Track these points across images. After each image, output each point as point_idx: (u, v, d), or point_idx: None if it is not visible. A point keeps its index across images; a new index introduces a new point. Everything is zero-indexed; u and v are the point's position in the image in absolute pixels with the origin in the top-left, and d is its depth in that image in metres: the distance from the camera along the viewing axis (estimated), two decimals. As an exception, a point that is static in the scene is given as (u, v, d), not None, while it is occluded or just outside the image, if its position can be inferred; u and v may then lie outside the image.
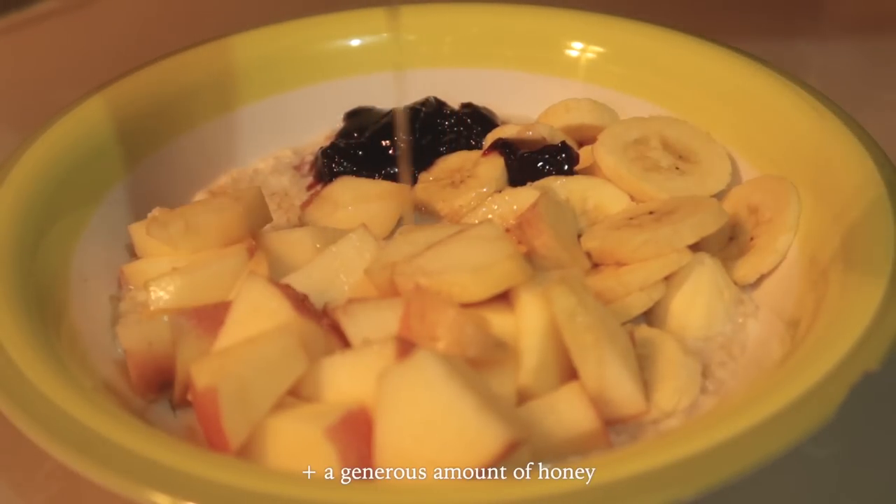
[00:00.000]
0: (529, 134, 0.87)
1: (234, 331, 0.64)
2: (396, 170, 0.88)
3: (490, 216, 0.79)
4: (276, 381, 0.60)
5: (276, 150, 0.95)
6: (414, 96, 0.95)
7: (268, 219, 0.79)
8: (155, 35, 1.24)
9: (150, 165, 0.87)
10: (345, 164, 0.88)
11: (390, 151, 0.89)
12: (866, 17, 1.22)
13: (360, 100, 0.97)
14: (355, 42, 0.99)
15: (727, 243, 0.78)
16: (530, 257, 0.72)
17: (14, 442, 0.61)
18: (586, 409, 0.61)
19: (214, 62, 0.94)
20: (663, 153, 0.83)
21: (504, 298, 0.65)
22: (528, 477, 0.55)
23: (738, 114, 0.86)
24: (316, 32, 0.98)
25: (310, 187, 0.90)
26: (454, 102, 0.95)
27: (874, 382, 0.57)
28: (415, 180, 0.88)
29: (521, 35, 0.98)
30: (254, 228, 0.77)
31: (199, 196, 0.90)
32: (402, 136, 0.86)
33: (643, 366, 0.67)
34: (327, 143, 0.92)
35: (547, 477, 0.56)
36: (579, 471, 0.54)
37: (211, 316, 0.66)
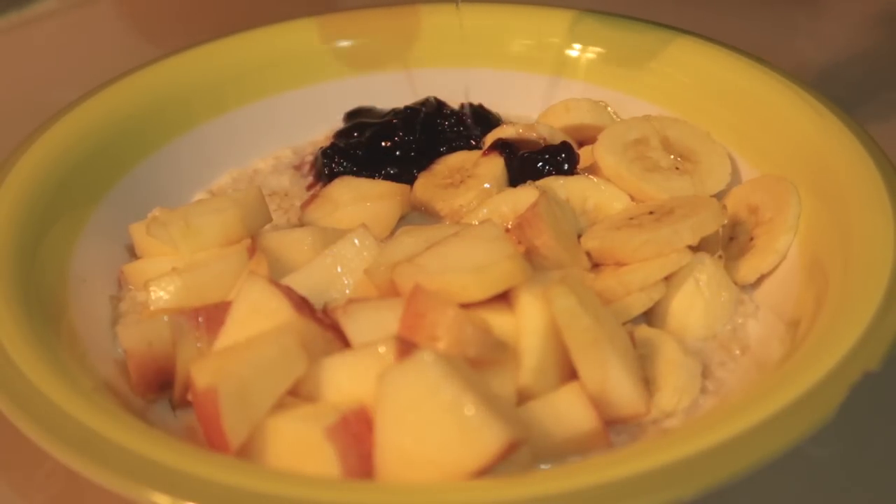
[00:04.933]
0: (531, 134, 0.87)
1: (234, 331, 0.64)
2: (396, 170, 0.88)
3: (490, 216, 0.79)
4: (276, 381, 0.60)
5: (276, 150, 0.95)
6: (414, 96, 0.95)
7: (268, 219, 0.79)
8: (155, 35, 1.24)
9: (150, 165, 0.87)
10: (345, 164, 0.88)
11: (396, 152, 0.89)
12: (866, 16, 1.21)
13: (360, 100, 0.97)
14: (355, 42, 0.99)
15: (727, 243, 0.78)
16: (530, 257, 0.72)
17: (14, 442, 0.61)
18: (586, 409, 0.61)
19: (214, 62, 0.94)
20: (663, 153, 0.83)
21: (504, 298, 0.65)
22: (528, 477, 0.55)
23: (738, 114, 0.86)
24: (316, 32, 0.98)
25: (310, 187, 0.90)
26: (454, 102, 0.95)
27: (874, 382, 0.57)
28: (414, 180, 0.88)
29: (521, 35, 0.98)
30: (254, 228, 0.77)
31: (199, 196, 0.90)
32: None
33: (643, 366, 0.67)
34: (327, 143, 0.92)
35: (547, 477, 0.56)
36: (579, 471, 0.54)
37: (211, 316, 0.66)
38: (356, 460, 0.58)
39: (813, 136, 0.79)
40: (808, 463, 0.65)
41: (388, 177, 0.88)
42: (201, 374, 0.59)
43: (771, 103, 0.84)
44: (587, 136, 0.88)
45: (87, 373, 0.66)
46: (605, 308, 0.68)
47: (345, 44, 0.99)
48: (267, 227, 0.80)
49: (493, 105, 0.95)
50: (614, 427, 0.64)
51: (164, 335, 0.67)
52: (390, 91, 0.97)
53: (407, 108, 0.93)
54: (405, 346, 0.59)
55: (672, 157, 0.83)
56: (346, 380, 0.61)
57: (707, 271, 0.72)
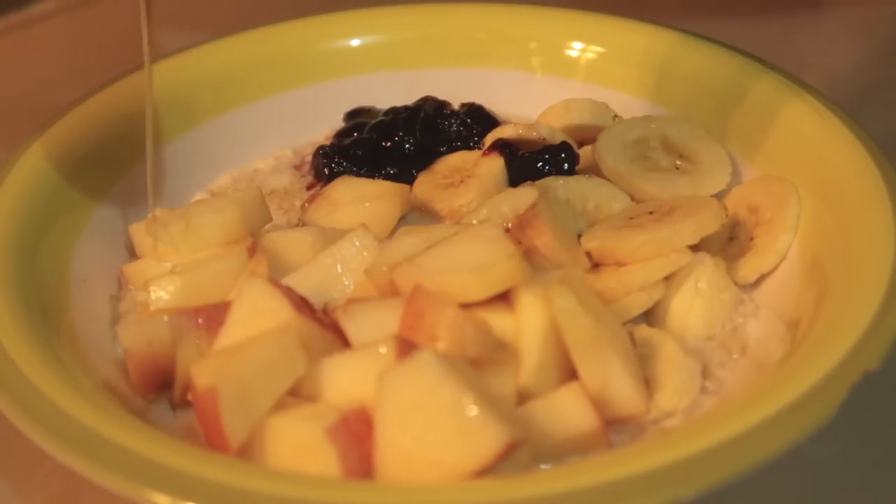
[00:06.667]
0: (531, 134, 0.87)
1: (234, 331, 0.64)
2: (396, 170, 0.88)
3: (490, 216, 0.79)
4: (276, 381, 0.60)
5: (276, 150, 0.95)
6: (414, 96, 0.95)
7: (268, 219, 0.79)
8: (155, 35, 1.24)
9: (150, 165, 0.87)
10: (345, 164, 0.88)
11: (396, 152, 0.89)
12: (866, 16, 1.21)
13: (360, 100, 0.97)
14: (355, 42, 0.99)
15: (727, 243, 0.78)
16: (530, 257, 0.72)
17: (14, 442, 0.61)
18: (586, 409, 0.61)
19: (214, 62, 0.94)
20: (663, 153, 0.83)
21: (504, 298, 0.65)
22: (528, 477, 0.55)
23: (738, 114, 0.86)
24: (316, 32, 0.98)
25: (310, 187, 0.90)
26: (454, 102, 0.95)
27: (874, 382, 0.57)
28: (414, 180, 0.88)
29: (521, 35, 0.98)
30: (254, 228, 0.77)
31: (199, 196, 0.90)
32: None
33: (643, 366, 0.67)
34: (327, 143, 0.92)
35: (547, 477, 0.56)
36: (579, 471, 0.54)
37: (211, 316, 0.66)
38: (356, 460, 0.58)
39: (813, 136, 0.79)
40: (808, 463, 0.65)
41: (388, 177, 0.88)
42: (201, 374, 0.59)
43: (771, 103, 0.84)
44: (587, 136, 0.88)
45: (87, 373, 0.66)
46: (605, 308, 0.68)
47: (345, 43, 0.99)
48: (267, 227, 0.80)
49: (493, 105, 0.95)
50: (614, 427, 0.64)
51: (164, 335, 0.67)
52: (390, 91, 0.97)
53: (407, 108, 0.92)
54: (405, 346, 0.59)
55: (672, 157, 0.83)
56: (346, 380, 0.61)
57: (707, 271, 0.72)
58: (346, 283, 0.71)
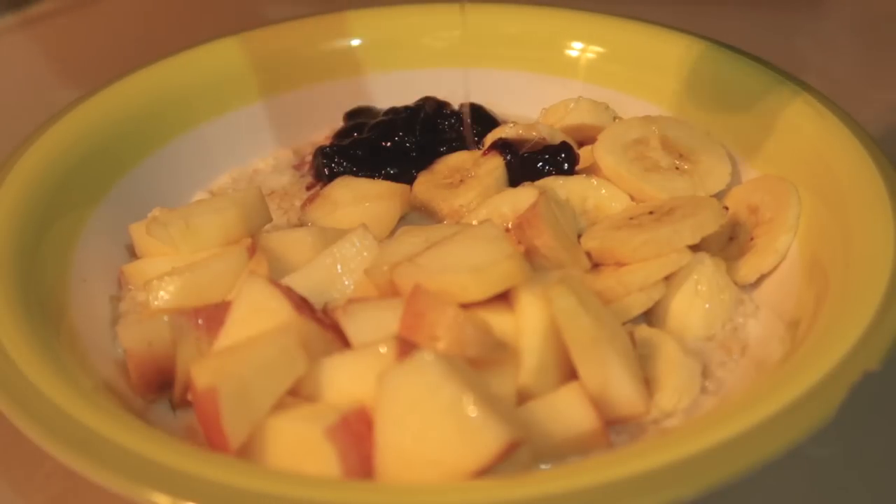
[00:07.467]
0: (531, 134, 0.87)
1: (234, 331, 0.64)
2: (396, 170, 0.88)
3: (490, 216, 0.79)
4: (276, 381, 0.60)
5: (276, 150, 0.95)
6: (414, 96, 0.95)
7: (268, 219, 0.79)
8: (155, 35, 1.24)
9: (150, 165, 0.87)
10: (345, 164, 0.88)
11: (396, 152, 0.89)
12: (866, 16, 1.21)
13: (360, 100, 0.97)
14: (355, 42, 0.99)
15: (727, 243, 0.78)
16: (530, 257, 0.72)
17: (14, 442, 0.61)
18: (586, 409, 0.61)
19: (214, 62, 0.94)
20: (663, 153, 0.83)
21: (504, 298, 0.65)
22: (528, 477, 0.55)
23: (738, 114, 0.86)
24: (316, 32, 0.98)
25: (310, 187, 0.90)
26: (454, 102, 0.95)
27: (874, 382, 0.57)
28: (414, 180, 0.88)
29: (521, 35, 0.98)
30: (254, 228, 0.77)
31: (199, 196, 0.90)
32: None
33: (643, 366, 0.67)
34: (327, 143, 0.92)
35: (547, 477, 0.56)
36: (579, 471, 0.54)
37: (211, 316, 0.66)
38: (356, 460, 0.58)
39: (813, 136, 0.79)
40: (808, 463, 0.65)
41: (388, 177, 0.88)
42: (201, 374, 0.59)
43: (771, 103, 0.84)
44: (587, 136, 0.88)
45: (87, 373, 0.66)
46: (605, 308, 0.68)
47: (345, 43, 0.99)
48: (267, 227, 0.80)
49: (493, 105, 0.95)
50: (614, 427, 0.64)
51: (164, 335, 0.67)
52: (390, 91, 0.97)
53: (407, 108, 0.92)
54: (405, 346, 0.59)
55: (672, 157, 0.83)
56: (346, 380, 0.61)
57: (707, 271, 0.72)
58: (346, 283, 0.71)
